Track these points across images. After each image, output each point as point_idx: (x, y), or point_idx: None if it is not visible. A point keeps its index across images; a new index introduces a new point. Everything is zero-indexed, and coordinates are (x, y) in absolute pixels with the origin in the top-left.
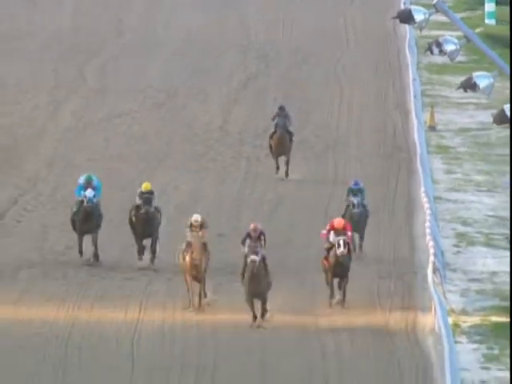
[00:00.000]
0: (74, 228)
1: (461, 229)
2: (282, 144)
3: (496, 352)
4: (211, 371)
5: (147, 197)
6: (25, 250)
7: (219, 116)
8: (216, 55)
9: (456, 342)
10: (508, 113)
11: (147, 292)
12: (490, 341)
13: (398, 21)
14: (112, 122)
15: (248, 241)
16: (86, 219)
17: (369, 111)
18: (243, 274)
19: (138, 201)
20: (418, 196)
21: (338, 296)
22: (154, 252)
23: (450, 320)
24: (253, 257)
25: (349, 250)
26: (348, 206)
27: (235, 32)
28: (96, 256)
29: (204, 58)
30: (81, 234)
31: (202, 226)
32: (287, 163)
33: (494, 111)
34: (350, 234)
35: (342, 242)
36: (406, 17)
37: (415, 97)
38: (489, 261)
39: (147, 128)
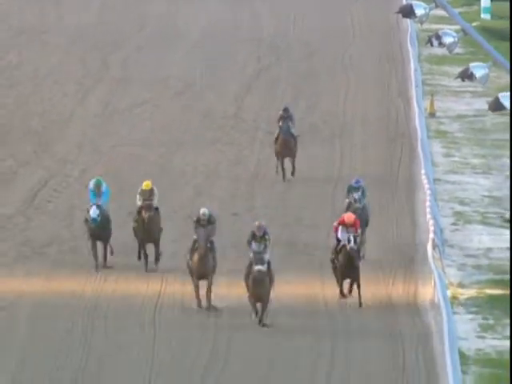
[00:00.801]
0: (88, 233)
1: (458, 208)
2: (286, 147)
3: (491, 322)
4: (226, 340)
5: (148, 203)
6: (55, 228)
7: (234, 104)
8: (231, 48)
9: (454, 313)
10: (502, 100)
11: (168, 267)
12: (485, 312)
13: (400, 15)
14: (135, 110)
15: (253, 244)
16: (95, 233)
17: (373, 99)
18: (247, 280)
19: (138, 201)
20: (419, 177)
21: (348, 297)
22: (157, 256)
23: (449, 292)
24: (259, 267)
25: (358, 249)
26: (350, 202)
27: (249, 26)
28: (105, 257)
29: (220, 51)
30: (93, 241)
31: (209, 220)
32: (293, 164)
33: (489, 99)
34: (359, 231)
35: (352, 238)
36: (408, 11)
37: (416, 86)
38: (484, 238)
39: (167, 115)
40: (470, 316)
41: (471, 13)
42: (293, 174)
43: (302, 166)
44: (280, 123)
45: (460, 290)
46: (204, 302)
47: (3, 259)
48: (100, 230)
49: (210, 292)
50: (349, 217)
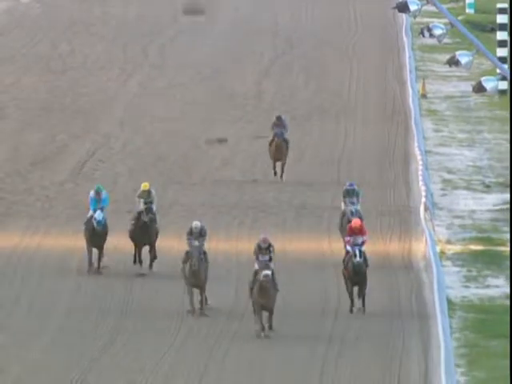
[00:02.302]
0: (86, 240)
1: (446, 176)
2: (279, 151)
3: (474, 274)
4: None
5: (148, 207)
6: None
7: (253, 87)
8: (251, 38)
9: (442, 266)
10: (484, 83)
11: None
12: (469, 265)
13: (396, 10)
14: (169, 91)
15: (259, 255)
16: (95, 237)
17: (373, 82)
18: (252, 289)
19: (138, 203)
20: (413, 150)
21: (357, 306)
22: (152, 259)
23: (438, 248)
24: (266, 272)
25: (365, 258)
26: (344, 212)
27: (266, 19)
28: (103, 267)
29: (241, 41)
30: (90, 247)
31: (201, 232)
32: (283, 167)
33: (473, 82)
34: (365, 238)
35: (357, 252)
36: (403, 7)
37: (410, 71)
38: (469, 201)
39: (197, 96)
40: (456, 268)
41: (457, 8)
42: (281, 176)
43: (313, 139)
44: (274, 130)
45: (448, 246)
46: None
47: (55, 220)
48: (98, 237)
49: (203, 299)
50: (355, 222)
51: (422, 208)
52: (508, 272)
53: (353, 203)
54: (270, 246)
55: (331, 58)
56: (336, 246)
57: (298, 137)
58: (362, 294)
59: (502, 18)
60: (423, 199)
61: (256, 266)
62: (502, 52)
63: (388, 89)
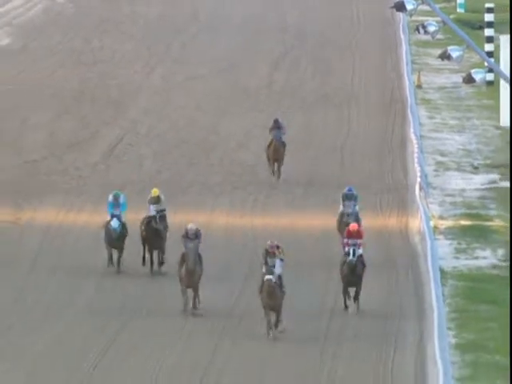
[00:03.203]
0: (105, 243)
1: (439, 158)
2: (277, 153)
3: (464, 246)
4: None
5: (161, 215)
6: (127, 173)
7: (265, 78)
8: (262, 34)
9: (435, 239)
10: (473, 75)
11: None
12: (459, 238)
13: (394, 10)
14: (190, 83)
15: (268, 259)
16: (113, 242)
17: (373, 74)
18: (260, 291)
19: (149, 206)
20: (409, 135)
21: (350, 308)
22: (161, 262)
23: (431, 223)
24: (268, 277)
25: (362, 261)
26: (342, 214)
27: (276, 17)
28: (118, 263)
29: (254, 37)
30: (110, 249)
31: (196, 234)
32: (279, 168)
33: (463, 74)
34: (361, 240)
35: (351, 251)
36: (400, 7)
37: (407, 64)
38: (459, 181)
39: (214, 87)
40: (448, 241)
41: (449, 7)
42: (278, 177)
43: (319, 125)
44: (272, 132)
45: (440, 222)
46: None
47: (89, 197)
48: (117, 240)
49: (196, 299)
50: (353, 226)
51: (417, 187)
52: (494, 244)
53: (351, 206)
54: (277, 247)
55: (336, 53)
56: (335, 220)
57: (306, 122)
58: (356, 297)
59: (489, 17)
60: (418, 179)
61: (263, 270)
62: (489, 47)
63: (387, 80)
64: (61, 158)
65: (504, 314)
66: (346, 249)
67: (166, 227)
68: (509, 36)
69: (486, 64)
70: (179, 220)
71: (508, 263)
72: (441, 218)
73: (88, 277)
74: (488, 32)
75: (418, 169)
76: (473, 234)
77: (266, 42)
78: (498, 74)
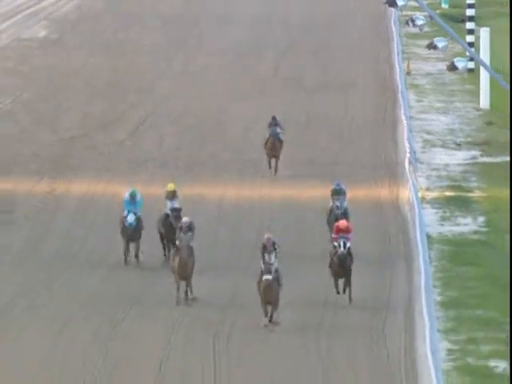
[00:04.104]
0: (123, 238)
1: (426, 137)
2: (274, 149)
3: (448, 214)
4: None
5: (176, 214)
6: (150, 149)
7: (272, 67)
8: (269, 27)
9: (423, 208)
10: (456, 63)
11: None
12: (444, 207)
13: (386, 5)
14: (206, 71)
15: (266, 255)
16: (129, 236)
17: (369, 63)
18: (259, 284)
19: (166, 201)
20: (400, 116)
21: (341, 292)
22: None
23: (419, 194)
24: (266, 277)
25: (350, 254)
26: (332, 208)
27: (282, 13)
28: (137, 257)
29: (262, 30)
30: (127, 243)
31: (189, 227)
32: (276, 163)
33: (447, 62)
34: (351, 235)
35: (342, 243)
36: (392, 3)
37: (398, 53)
38: (444, 157)
39: (227, 75)
40: (434, 210)
41: (435, 3)
42: (276, 171)
43: (320, 109)
44: (269, 129)
45: (427, 193)
46: (182, 299)
47: (117, 171)
48: (133, 234)
49: (190, 290)
50: (342, 223)
51: (406, 162)
52: (475, 213)
53: (339, 200)
54: (274, 244)
55: (335, 44)
56: None
57: (308, 106)
58: (347, 287)
59: (471, 12)
60: (408, 155)
61: (262, 267)
62: (470, 38)
63: (380, 67)
64: (92, 136)
65: (483, 275)
66: (335, 242)
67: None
68: (488, 29)
69: (467, 53)
70: (197, 192)
71: (487, 229)
72: (427, 189)
73: (117, 237)
74: (469, 25)
75: (407, 146)
76: (456, 203)
77: (273, 34)
78: (478, 62)
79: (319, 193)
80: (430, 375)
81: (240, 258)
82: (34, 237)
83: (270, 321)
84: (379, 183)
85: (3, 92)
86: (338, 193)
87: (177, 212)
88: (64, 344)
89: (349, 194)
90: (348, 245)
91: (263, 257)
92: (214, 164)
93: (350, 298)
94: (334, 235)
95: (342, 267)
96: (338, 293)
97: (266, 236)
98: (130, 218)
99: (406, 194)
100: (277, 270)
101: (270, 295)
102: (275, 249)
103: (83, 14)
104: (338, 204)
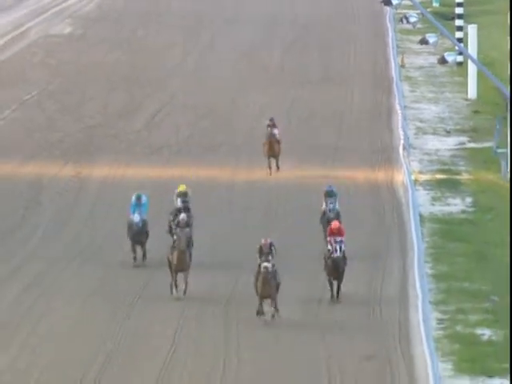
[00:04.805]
0: (129, 239)
1: (419, 124)
2: (272, 150)
3: (439, 195)
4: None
5: (186, 206)
6: (166, 137)
7: (279, 60)
8: (277, 25)
9: (416, 190)
10: (446, 57)
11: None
12: (435, 189)
13: (382, 4)
14: (217, 65)
15: (262, 257)
16: (136, 236)
17: (366, 57)
18: (256, 279)
19: (176, 201)
20: (395, 105)
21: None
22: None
23: (412, 177)
24: (265, 264)
25: (344, 256)
26: (325, 211)
27: (288, 12)
28: (144, 256)
29: (270, 27)
30: (133, 245)
31: (187, 223)
32: (277, 161)
33: (438, 56)
34: (343, 238)
35: (338, 247)
36: (388, 1)
37: (392, 48)
38: (435, 142)
39: (238, 67)
40: (426, 192)
41: (427, 2)
42: (277, 168)
43: (322, 100)
44: (268, 130)
45: (419, 176)
46: (178, 291)
47: (134, 156)
48: (139, 235)
49: (186, 283)
50: (335, 224)
51: (401, 147)
52: (463, 194)
53: (332, 202)
54: (271, 245)
55: (336, 40)
56: (340, 173)
57: (311, 97)
58: (338, 288)
59: (459, 10)
60: (402, 141)
61: (259, 263)
62: (459, 34)
63: (377, 61)
64: (112, 124)
65: (471, 250)
66: (330, 246)
67: (190, 217)
68: (475, 25)
69: (456, 48)
70: (210, 175)
71: (474, 209)
72: (420, 172)
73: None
74: (458, 22)
75: (401, 133)
76: (446, 185)
77: (280, 31)
78: (466, 56)
79: (321, 176)
80: (422, 342)
81: (249, 236)
82: (60, 217)
83: (277, 311)
84: (376, 167)
85: (31, 84)
86: (330, 195)
87: (186, 203)
88: (87, 314)
89: (348, 177)
90: (343, 248)
91: (260, 256)
92: (224, 151)
93: (337, 296)
94: (328, 238)
95: (336, 270)
96: (331, 289)
97: (262, 240)
98: (136, 218)
99: (401, 176)
100: (274, 265)
101: (267, 288)
102: (271, 250)
103: (104, 12)
104: (330, 207)
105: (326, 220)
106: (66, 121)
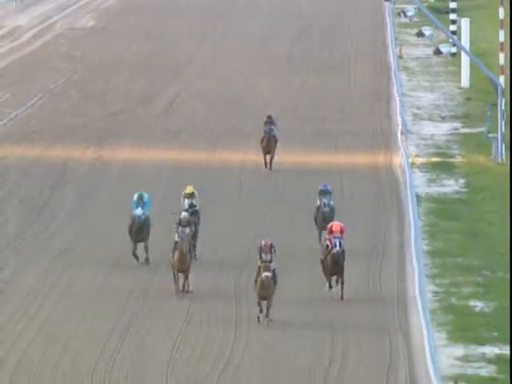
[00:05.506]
0: (131, 236)
1: (415, 111)
2: (268, 146)
3: (434, 177)
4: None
5: (192, 210)
6: (183, 122)
7: (287, 50)
8: (285, 18)
9: (412, 172)
10: (440, 49)
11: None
12: (431, 171)
13: (382, 0)
14: (231, 54)
15: (263, 255)
16: (138, 231)
17: (366, 48)
18: (256, 281)
19: (183, 202)
20: (393, 93)
21: (334, 289)
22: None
23: (410, 160)
24: (266, 274)
25: (343, 252)
26: (319, 206)
27: (295, 6)
28: (147, 260)
29: (279, 20)
30: (135, 242)
31: (188, 222)
32: (271, 159)
33: (433, 48)
34: (343, 235)
35: (337, 243)
36: None
37: (391, 40)
38: (430, 128)
39: (250, 56)
40: (422, 174)
41: None
42: (270, 167)
43: (327, 87)
44: (265, 127)
45: (416, 159)
46: (181, 289)
47: (153, 139)
48: (141, 229)
49: (187, 282)
50: (336, 226)
51: (399, 132)
52: (457, 176)
53: (326, 199)
54: (271, 247)
55: (339, 32)
56: (342, 158)
57: (316, 84)
58: (340, 283)
59: (453, 4)
60: (400, 126)
61: (260, 265)
62: (453, 27)
63: (376, 52)
64: (133, 110)
65: (464, 228)
66: (328, 242)
67: (198, 219)
68: (468, 19)
69: (450, 40)
70: (223, 157)
71: (467, 189)
72: (417, 156)
73: (153, 196)
74: (452, 16)
75: (399, 119)
76: (440, 167)
77: (287, 24)
78: (460, 48)
79: (325, 158)
80: (419, 314)
81: (260, 210)
82: (84, 196)
83: (267, 315)
84: (375, 150)
85: (57, 73)
86: (324, 193)
87: (193, 208)
88: (111, 284)
89: (349, 161)
90: (342, 243)
91: (260, 257)
92: (236, 133)
93: (341, 295)
94: (327, 236)
95: (336, 265)
96: (331, 287)
97: (263, 242)
98: (139, 211)
99: (399, 159)
100: (274, 270)
101: (266, 292)
102: (271, 252)
103: (125, 5)
104: (325, 201)
105: (320, 215)
106: (89, 107)
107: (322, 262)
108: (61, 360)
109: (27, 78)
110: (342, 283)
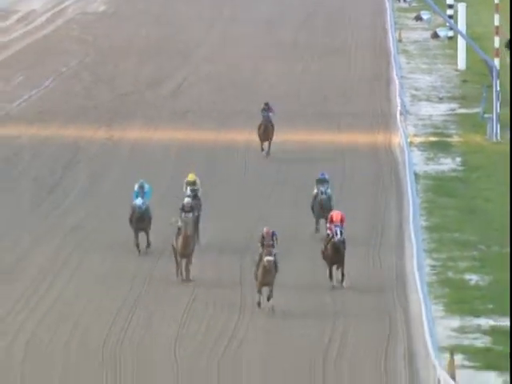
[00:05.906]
0: (132, 226)
1: (414, 92)
2: (266, 133)
3: (432, 156)
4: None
5: (194, 194)
6: (190, 104)
7: (293, 36)
8: (291, 4)
9: (411, 151)
10: (438, 32)
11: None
12: (428, 150)
13: None
14: (238, 39)
15: (265, 243)
16: (138, 221)
17: (366, 33)
18: (257, 267)
19: (185, 189)
20: (393, 75)
21: (334, 281)
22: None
23: (408, 139)
24: (268, 257)
25: (344, 240)
26: (317, 193)
27: None
28: (148, 244)
29: (285, 6)
30: (136, 232)
31: (191, 207)
32: (269, 146)
33: (431, 31)
34: (344, 225)
35: (338, 231)
36: None
37: (391, 25)
38: (428, 109)
39: (258, 41)
40: (420, 152)
41: None
42: (268, 153)
43: (329, 70)
44: (262, 114)
45: (414, 138)
46: (183, 276)
47: (161, 120)
48: (142, 219)
49: (189, 268)
50: (336, 215)
51: (398, 113)
52: (453, 154)
53: (323, 188)
54: (273, 234)
55: (341, 18)
56: (340, 138)
57: (320, 68)
58: (341, 272)
59: None
60: (399, 107)
61: (260, 251)
62: (450, 12)
63: (377, 36)
64: (142, 92)
65: (460, 205)
66: (329, 231)
67: (199, 205)
68: (464, 4)
69: (447, 24)
70: (229, 138)
71: (463, 167)
72: (415, 135)
73: (161, 175)
74: (449, 1)
75: (398, 100)
76: (438, 147)
77: (293, 10)
78: (456, 32)
79: (327, 138)
80: (417, 287)
81: (266, 188)
82: (95, 175)
83: (269, 300)
84: (375, 130)
85: (70, 56)
86: (322, 182)
87: (195, 192)
88: (120, 263)
89: (351, 140)
90: (343, 232)
91: (262, 245)
92: (242, 116)
93: (342, 284)
94: (328, 225)
95: (336, 254)
96: (331, 277)
97: (265, 229)
98: (139, 201)
99: (398, 139)
100: (275, 255)
101: (268, 277)
102: (273, 240)
103: None
104: (322, 189)
105: (317, 203)
106: (100, 90)
107: (323, 251)
108: (72, 337)
109: (40, 62)
110: (343, 274)
